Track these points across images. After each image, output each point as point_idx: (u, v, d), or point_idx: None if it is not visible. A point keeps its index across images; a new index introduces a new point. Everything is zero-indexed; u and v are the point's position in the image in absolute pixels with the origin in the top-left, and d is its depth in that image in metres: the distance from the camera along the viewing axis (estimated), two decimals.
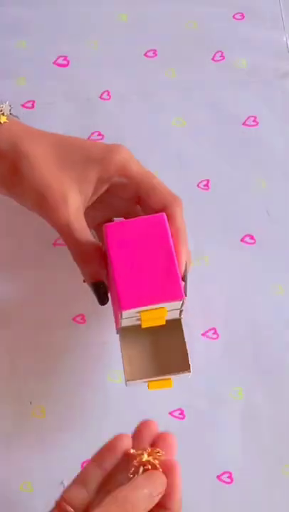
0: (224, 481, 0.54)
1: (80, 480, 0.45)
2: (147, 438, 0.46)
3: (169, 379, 0.50)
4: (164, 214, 0.50)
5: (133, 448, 0.45)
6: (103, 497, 0.42)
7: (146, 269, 0.48)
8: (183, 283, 0.50)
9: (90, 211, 0.53)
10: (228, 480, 0.54)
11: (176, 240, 0.50)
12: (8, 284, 0.59)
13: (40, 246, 0.59)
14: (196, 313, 0.57)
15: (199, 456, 0.54)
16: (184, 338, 0.50)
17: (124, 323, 0.49)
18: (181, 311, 0.50)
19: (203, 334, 0.57)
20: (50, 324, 0.57)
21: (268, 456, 0.54)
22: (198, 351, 0.56)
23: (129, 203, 0.54)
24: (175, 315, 0.50)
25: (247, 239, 0.61)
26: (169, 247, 0.48)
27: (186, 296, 0.51)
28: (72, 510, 0.44)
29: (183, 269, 0.50)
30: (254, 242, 0.60)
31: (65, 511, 0.44)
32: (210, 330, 0.57)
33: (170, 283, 0.48)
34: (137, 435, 0.46)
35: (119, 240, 0.49)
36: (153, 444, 0.46)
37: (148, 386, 0.50)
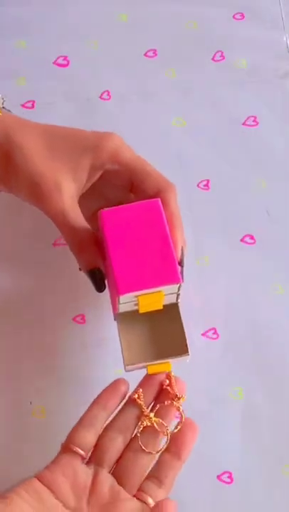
0: (224, 481, 0.54)
1: (85, 422, 0.47)
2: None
3: (168, 362, 0.50)
4: (159, 199, 0.50)
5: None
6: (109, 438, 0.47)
7: (142, 254, 0.48)
8: (180, 267, 0.50)
9: (83, 201, 0.53)
10: (228, 480, 0.54)
11: (171, 225, 0.50)
12: (8, 284, 0.59)
13: (40, 246, 0.59)
14: (196, 313, 0.58)
15: (199, 456, 0.54)
16: (181, 322, 0.51)
17: (122, 308, 0.49)
18: (178, 295, 0.50)
19: (203, 334, 0.57)
20: (50, 324, 0.57)
21: (268, 456, 0.54)
22: (198, 351, 0.56)
23: (123, 191, 0.54)
24: (172, 299, 0.50)
25: (247, 239, 0.61)
26: (165, 232, 0.49)
27: (183, 280, 0.51)
28: (80, 450, 0.46)
29: (179, 253, 0.50)
30: (254, 242, 0.60)
31: (72, 452, 0.45)
32: (210, 330, 0.57)
33: (167, 267, 0.48)
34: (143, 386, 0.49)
35: (116, 226, 0.49)
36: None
37: (147, 370, 0.50)
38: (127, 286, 0.47)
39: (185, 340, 0.50)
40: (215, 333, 0.57)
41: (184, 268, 0.51)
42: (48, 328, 0.57)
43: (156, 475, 0.48)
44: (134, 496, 0.47)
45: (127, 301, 0.48)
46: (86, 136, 0.53)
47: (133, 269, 0.48)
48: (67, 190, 0.51)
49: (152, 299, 0.48)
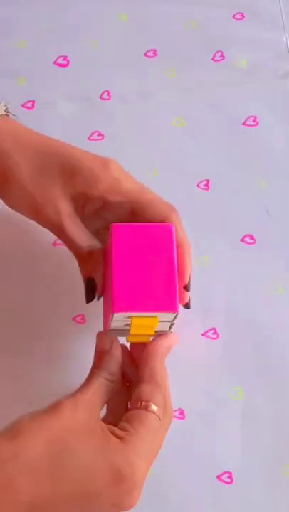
0: (224, 481, 0.54)
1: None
2: None
3: (156, 317, 0.48)
4: (173, 225, 0.50)
5: None
6: None
7: (145, 276, 0.48)
8: (188, 296, 0.51)
9: (87, 222, 0.53)
10: (228, 480, 0.54)
11: (181, 252, 0.50)
12: (8, 284, 0.59)
13: (40, 246, 0.59)
14: (196, 313, 0.57)
15: (199, 456, 0.54)
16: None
17: (114, 325, 0.49)
18: (172, 325, 0.49)
19: (203, 334, 0.57)
20: (50, 324, 0.57)
21: (268, 456, 0.54)
22: (198, 351, 0.56)
23: (125, 217, 0.53)
24: (165, 327, 0.49)
25: (247, 239, 0.61)
26: (172, 259, 0.48)
27: (189, 307, 0.52)
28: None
29: (187, 280, 0.50)
30: (254, 242, 0.60)
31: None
32: (210, 330, 0.57)
33: (167, 294, 0.47)
34: None
35: (124, 242, 0.48)
36: None
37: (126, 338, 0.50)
38: (123, 305, 0.47)
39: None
40: (215, 333, 0.57)
41: None
42: (48, 328, 0.57)
43: None
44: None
45: (119, 320, 0.48)
46: (82, 160, 0.51)
47: (133, 288, 0.47)
48: (64, 206, 0.51)
49: (146, 322, 0.48)
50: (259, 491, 0.53)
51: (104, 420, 0.46)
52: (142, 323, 0.48)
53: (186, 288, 0.51)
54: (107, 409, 0.49)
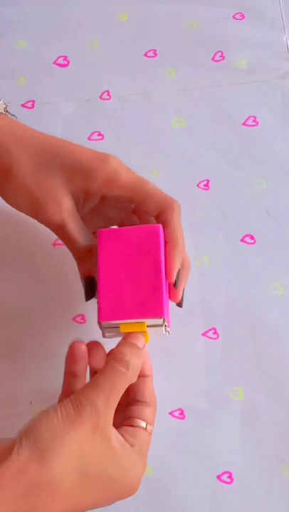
0: (224, 481, 0.54)
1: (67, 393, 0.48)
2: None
3: (143, 323, 0.48)
4: (160, 226, 0.49)
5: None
6: None
7: (132, 282, 0.48)
8: (180, 294, 0.50)
9: (86, 220, 0.53)
10: (228, 480, 0.54)
11: (170, 247, 0.49)
12: (8, 284, 0.59)
13: (40, 246, 0.59)
14: (196, 313, 0.58)
15: (199, 456, 0.54)
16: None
17: (108, 335, 0.50)
18: (165, 326, 0.49)
19: (203, 334, 0.57)
20: (50, 324, 0.57)
21: (268, 456, 0.54)
22: (198, 351, 0.56)
23: (125, 211, 0.53)
24: (160, 332, 0.49)
25: (247, 239, 0.61)
26: (159, 262, 0.48)
27: (181, 306, 0.51)
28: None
29: (174, 277, 0.49)
30: (254, 242, 0.60)
31: None
32: (210, 330, 0.57)
33: (153, 299, 0.47)
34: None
35: (110, 247, 0.48)
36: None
37: (120, 328, 0.49)
38: (109, 313, 0.47)
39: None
40: (215, 333, 0.57)
41: None
42: (48, 328, 0.57)
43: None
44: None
45: (108, 326, 0.48)
46: (82, 157, 0.51)
47: (119, 296, 0.47)
48: (66, 204, 0.51)
49: (134, 328, 0.48)
50: (259, 491, 0.53)
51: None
52: (130, 328, 0.48)
53: (175, 286, 0.50)
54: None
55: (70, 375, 0.49)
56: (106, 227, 0.50)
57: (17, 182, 0.51)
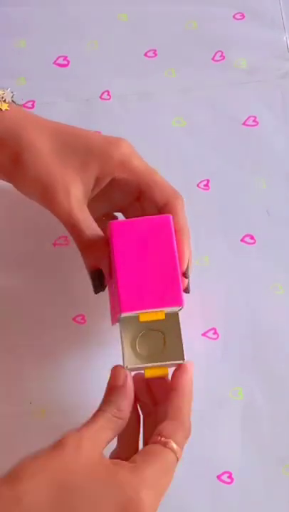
0: (224, 481, 0.54)
1: None
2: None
3: (166, 367, 0.50)
4: (170, 216, 0.50)
5: None
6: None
7: (148, 272, 0.48)
8: (186, 280, 0.51)
9: (91, 203, 0.53)
10: (228, 480, 0.54)
11: (179, 238, 0.50)
12: (8, 284, 0.59)
13: (40, 246, 0.59)
14: (196, 313, 0.57)
15: (199, 456, 0.54)
16: (180, 330, 0.50)
17: (123, 319, 0.50)
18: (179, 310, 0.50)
19: (203, 334, 0.57)
20: (50, 324, 0.57)
21: (268, 456, 0.54)
22: (198, 351, 0.56)
23: (130, 198, 0.54)
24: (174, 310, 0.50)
25: (247, 239, 0.61)
26: (173, 251, 0.49)
27: (188, 292, 0.52)
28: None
29: (185, 266, 0.50)
30: (254, 242, 0.60)
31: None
32: (210, 330, 0.57)
33: (171, 289, 0.48)
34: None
35: (124, 239, 0.49)
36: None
37: (145, 373, 0.50)
38: (130, 304, 0.48)
39: (182, 347, 0.50)
40: (215, 333, 0.57)
41: None
42: (48, 328, 0.57)
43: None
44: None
45: (127, 315, 0.49)
46: (95, 141, 0.52)
47: (137, 287, 0.48)
48: (75, 192, 0.51)
49: (153, 316, 0.49)
50: (259, 491, 0.53)
51: (114, 456, 0.46)
52: (149, 317, 0.48)
53: (185, 275, 0.50)
54: (117, 444, 0.48)
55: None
56: (113, 218, 0.50)
57: (27, 168, 0.51)
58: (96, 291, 0.51)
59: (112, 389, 0.47)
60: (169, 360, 0.50)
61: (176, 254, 0.49)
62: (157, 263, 0.48)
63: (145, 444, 0.47)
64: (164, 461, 0.43)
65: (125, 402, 0.46)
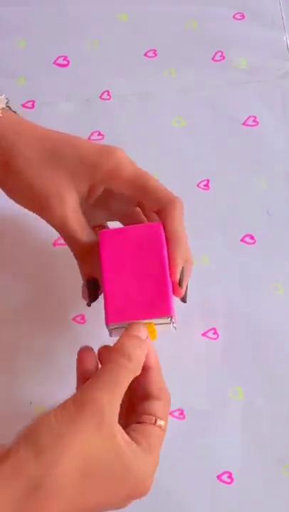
0: (224, 481, 0.54)
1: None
2: None
3: (152, 323, 0.48)
4: (161, 225, 0.49)
5: None
6: None
7: (137, 282, 0.47)
8: (182, 290, 0.49)
9: (89, 213, 0.53)
10: (228, 480, 0.54)
11: (172, 244, 0.49)
12: (8, 284, 0.59)
13: (40, 246, 0.59)
14: (196, 313, 0.58)
15: (199, 456, 0.54)
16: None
17: (113, 330, 0.49)
18: (173, 323, 0.49)
19: (203, 334, 0.57)
20: (50, 324, 0.57)
21: (268, 456, 0.54)
22: (198, 351, 0.56)
23: (128, 204, 0.53)
24: (167, 328, 0.49)
25: (247, 239, 0.61)
26: (163, 260, 0.48)
27: (185, 301, 0.51)
28: None
29: (178, 274, 0.49)
30: (254, 242, 0.60)
31: None
32: (210, 330, 0.57)
33: (160, 298, 0.47)
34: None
35: (113, 248, 0.48)
36: None
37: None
38: (116, 315, 0.47)
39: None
40: (215, 333, 0.57)
41: None
42: (48, 328, 0.57)
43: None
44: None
45: (116, 327, 0.48)
46: (87, 150, 0.51)
47: (125, 297, 0.47)
48: (69, 200, 0.50)
49: None
50: (259, 491, 0.53)
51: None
52: None
53: (180, 284, 0.49)
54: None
55: (83, 379, 0.48)
56: (105, 227, 0.50)
57: (19, 176, 0.50)
58: (91, 300, 0.51)
59: (134, 340, 0.46)
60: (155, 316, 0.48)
61: (166, 263, 0.48)
62: (147, 272, 0.48)
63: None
64: (160, 442, 0.47)
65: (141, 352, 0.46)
